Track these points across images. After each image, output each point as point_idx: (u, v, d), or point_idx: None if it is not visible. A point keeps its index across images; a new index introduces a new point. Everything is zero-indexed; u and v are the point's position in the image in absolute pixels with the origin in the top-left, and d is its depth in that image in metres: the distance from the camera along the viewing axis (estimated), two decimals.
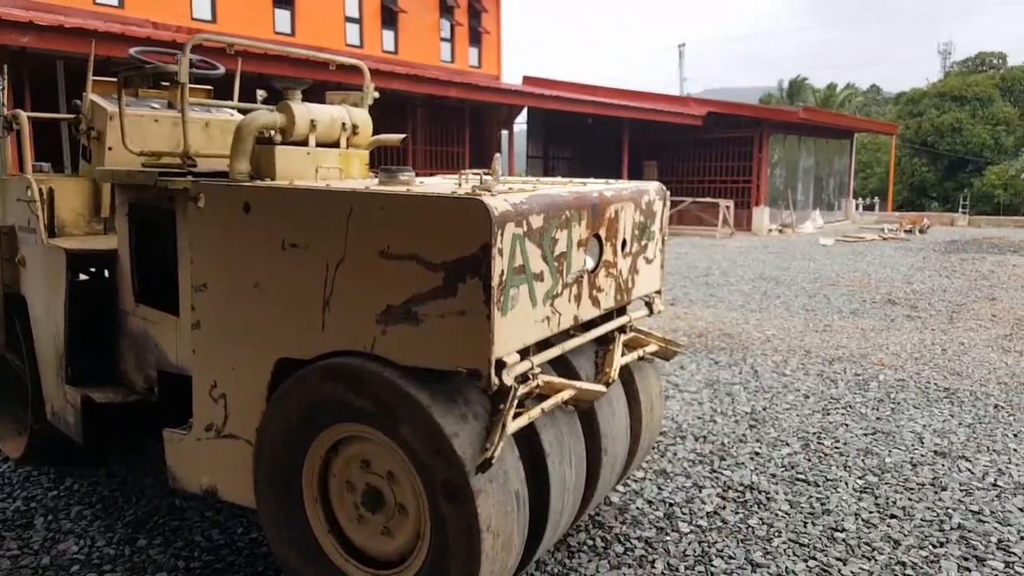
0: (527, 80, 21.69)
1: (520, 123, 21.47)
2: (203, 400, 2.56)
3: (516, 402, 2.10)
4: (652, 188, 2.89)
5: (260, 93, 3.83)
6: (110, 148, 3.43)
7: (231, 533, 3.15)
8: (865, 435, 4.33)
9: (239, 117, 3.62)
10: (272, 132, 2.73)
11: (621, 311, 2.84)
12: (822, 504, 3.42)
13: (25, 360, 3.64)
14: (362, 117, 3.07)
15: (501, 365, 2.01)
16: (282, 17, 15.96)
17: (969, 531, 3.17)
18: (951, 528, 3.20)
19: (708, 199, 20.23)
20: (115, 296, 3.25)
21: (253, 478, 2.42)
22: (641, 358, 3.00)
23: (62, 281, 3.20)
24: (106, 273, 3.38)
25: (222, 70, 3.70)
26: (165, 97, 3.68)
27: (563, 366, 2.57)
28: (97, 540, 3.09)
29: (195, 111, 3.52)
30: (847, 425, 4.50)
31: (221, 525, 3.22)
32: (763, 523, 3.24)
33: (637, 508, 3.38)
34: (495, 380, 1.98)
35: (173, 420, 2.78)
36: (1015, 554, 2.98)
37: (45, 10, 11.34)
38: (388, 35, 18.12)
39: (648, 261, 2.90)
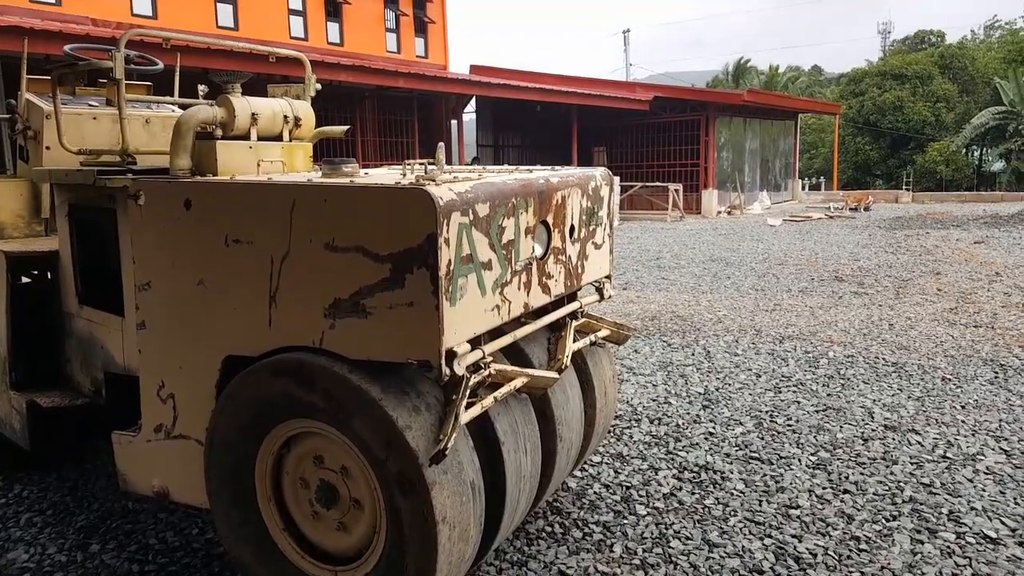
0: (474, 69, 21.63)
1: (469, 112, 21.45)
2: (151, 401, 2.52)
3: (469, 392, 2.11)
4: (598, 173, 2.92)
5: (201, 88, 3.75)
6: (48, 147, 3.35)
7: (186, 535, 3.10)
8: (816, 412, 4.44)
9: (180, 113, 3.55)
10: (213, 127, 2.68)
11: (572, 297, 2.87)
12: (776, 482, 3.50)
13: None
14: (304, 109, 3.04)
15: (452, 355, 2.01)
16: (224, 11, 15.60)
17: (920, 504, 3.26)
18: (903, 501, 3.29)
19: (658, 183, 20.50)
20: (58, 298, 3.18)
21: (205, 478, 2.38)
22: (593, 343, 3.03)
23: (3, 285, 3.13)
24: (48, 275, 3.31)
25: (160, 66, 3.62)
26: (103, 95, 3.60)
27: (515, 354, 2.59)
28: (48, 547, 3.02)
29: (134, 108, 3.44)
30: (799, 402, 4.61)
31: (176, 527, 3.17)
32: (719, 503, 3.30)
33: (594, 492, 3.42)
34: (446, 370, 1.99)
35: (122, 422, 2.72)
36: (966, 525, 3.07)
37: None
38: (333, 27, 17.87)
39: (597, 246, 2.92)
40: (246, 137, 2.80)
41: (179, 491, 2.54)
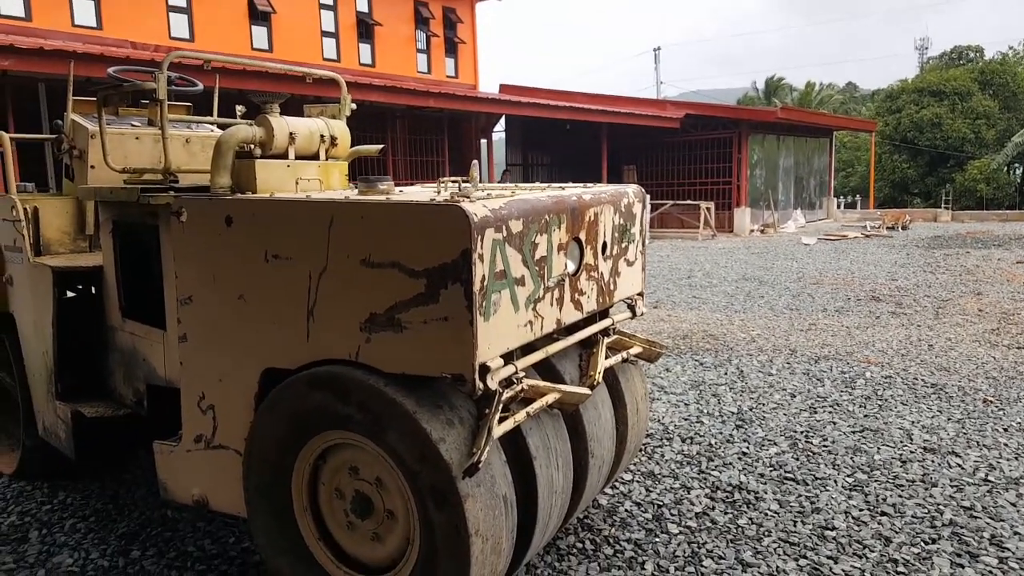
0: (504, 88, 21.81)
1: (498, 131, 21.58)
2: (192, 412, 2.57)
3: (501, 406, 2.12)
4: (631, 190, 2.93)
5: (239, 108, 3.85)
6: (92, 166, 3.45)
7: (223, 543, 3.16)
8: (853, 433, 4.37)
9: (219, 132, 3.64)
10: (252, 146, 2.75)
11: (604, 314, 2.87)
12: (811, 503, 3.45)
13: (15, 377, 3.66)
14: (340, 129, 3.10)
15: (485, 370, 2.03)
16: (259, 33, 15.98)
17: (961, 527, 3.19)
18: (943, 524, 3.21)
19: (689, 201, 20.37)
20: (102, 312, 3.27)
21: (243, 488, 2.43)
22: (625, 360, 3.03)
23: (50, 299, 3.22)
24: (93, 290, 3.40)
25: (200, 87, 3.73)
26: (145, 115, 3.71)
27: (547, 370, 2.60)
28: (91, 552, 3.10)
29: (175, 127, 3.54)
30: (835, 423, 4.54)
31: (213, 535, 3.23)
32: (752, 523, 3.26)
33: (625, 510, 3.40)
34: (479, 385, 2.01)
35: (163, 432, 2.79)
36: (1008, 549, 3.00)
37: (25, 33, 11.31)
38: (365, 48, 18.18)
39: (629, 263, 2.93)
40: (284, 156, 2.86)
41: (218, 500, 2.59)
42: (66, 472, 3.79)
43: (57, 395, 3.28)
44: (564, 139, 22.13)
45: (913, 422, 4.54)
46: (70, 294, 3.42)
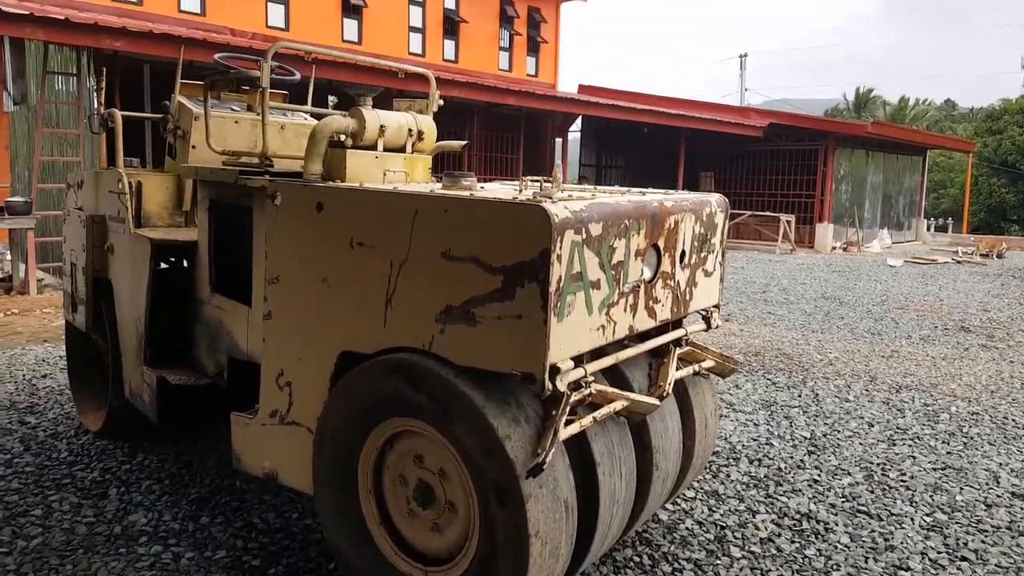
0: (582, 88, 21.71)
1: (574, 131, 21.47)
2: (270, 387, 2.66)
3: (568, 409, 2.11)
4: (714, 200, 2.87)
5: (331, 99, 3.96)
6: (194, 146, 3.62)
7: (287, 518, 3.25)
8: (934, 469, 4.16)
9: (312, 121, 3.75)
10: (344, 136, 2.82)
11: (677, 324, 2.82)
12: (885, 539, 3.29)
13: (108, 340, 3.86)
14: (427, 123, 3.16)
15: (555, 371, 2.02)
16: (350, 26, 16.44)
17: None
18: None
19: (768, 213, 19.80)
20: (193, 285, 3.41)
21: (313, 465, 2.49)
22: (696, 373, 2.97)
23: (146, 269, 3.38)
24: (185, 263, 3.56)
25: (298, 76, 3.86)
26: (244, 100, 3.86)
27: (616, 377, 2.57)
28: (164, 515, 3.24)
29: (272, 114, 3.66)
30: (914, 457, 4.33)
31: (278, 509, 3.33)
32: (820, 554, 3.14)
33: (687, 528, 3.32)
34: (549, 385, 2.00)
35: (240, 405, 2.89)
36: None
37: (135, 16, 11.94)
38: (449, 44, 18.45)
39: (707, 274, 2.87)
40: (373, 147, 2.93)
41: (287, 475, 2.66)
42: (147, 434, 3.98)
43: (145, 360, 3.44)
44: (640, 142, 21.84)
45: (1001, 464, 4.29)
46: (164, 265, 3.58)
